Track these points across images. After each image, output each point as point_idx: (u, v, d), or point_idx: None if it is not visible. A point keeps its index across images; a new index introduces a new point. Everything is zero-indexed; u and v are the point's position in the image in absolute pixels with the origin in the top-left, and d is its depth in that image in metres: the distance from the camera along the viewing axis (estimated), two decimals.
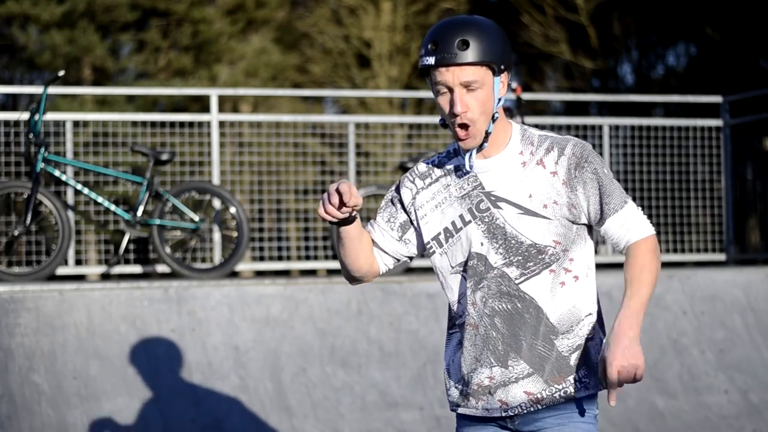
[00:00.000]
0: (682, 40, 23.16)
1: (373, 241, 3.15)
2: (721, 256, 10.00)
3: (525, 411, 2.97)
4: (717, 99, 10.12)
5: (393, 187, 3.18)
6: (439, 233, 3.04)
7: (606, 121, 9.88)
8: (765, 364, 7.71)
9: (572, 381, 2.96)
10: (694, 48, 23.30)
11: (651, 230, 3.00)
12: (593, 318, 3.01)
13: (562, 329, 2.96)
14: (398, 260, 3.17)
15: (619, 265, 8.78)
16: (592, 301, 3.02)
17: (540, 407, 2.96)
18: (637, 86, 23.05)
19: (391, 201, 3.15)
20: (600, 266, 8.63)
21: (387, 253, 3.15)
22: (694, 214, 10.09)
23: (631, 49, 23.83)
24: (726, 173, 10.01)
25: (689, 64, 23.40)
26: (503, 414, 2.98)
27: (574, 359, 2.97)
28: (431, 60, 2.92)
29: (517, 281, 2.95)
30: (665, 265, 9.72)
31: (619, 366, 2.81)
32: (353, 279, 3.17)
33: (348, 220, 2.99)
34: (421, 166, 3.13)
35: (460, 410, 3.07)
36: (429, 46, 2.93)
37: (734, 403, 7.41)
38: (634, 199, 9.93)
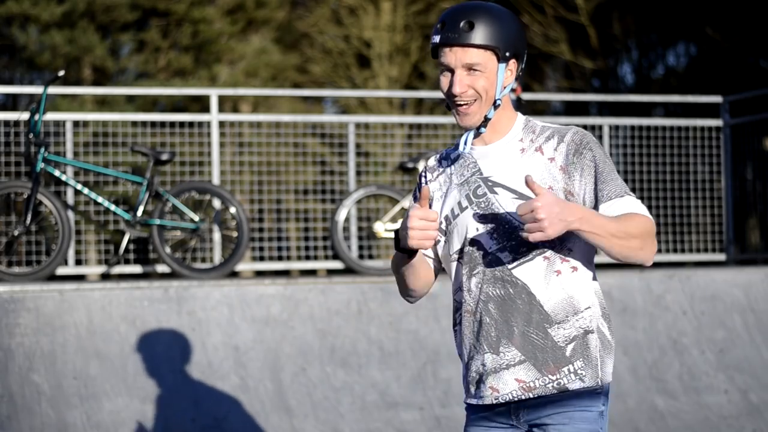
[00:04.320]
0: (682, 40, 23.15)
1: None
2: (721, 256, 9.99)
3: (516, 399, 2.95)
4: (717, 99, 10.12)
5: (414, 192, 3.18)
6: (441, 222, 3.05)
7: (606, 121, 9.88)
8: (765, 364, 7.71)
9: (566, 372, 2.94)
10: (694, 48, 23.29)
11: (650, 215, 2.93)
12: (593, 312, 2.99)
13: (557, 318, 2.94)
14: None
15: (619, 265, 8.78)
16: (592, 294, 2.99)
17: (532, 396, 2.94)
18: (637, 86, 23.05)
19: None
20: (600, 266, 8.63)
21: (433, 257, 3.15)
22: (694, 214, 10.09)
23: (631, 49, 23.82)
24: (726, 173, 10.01)
25: (689, 64, 23.39)
26: (494, 401, 2.97)
27: (570, 350, 2.94)
28: (437, 39, 2.96)
29: (509, 266, 2.94)
30: (665, 265, 9.73)
31: (544, 200, 2.71)
32: (414, 297, 3.18)
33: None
34: (431, 161, 3.18)
35: (466, 400, 3.07)
36: (437, 26, 2.97)
37: (734, 403, 7.41)
38: None
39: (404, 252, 2.98)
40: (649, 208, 10.00)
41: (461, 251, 3.01)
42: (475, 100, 2.95)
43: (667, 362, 7.51)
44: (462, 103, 2.96)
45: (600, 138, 9.78)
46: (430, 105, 20.98)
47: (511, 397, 2.95)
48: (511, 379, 2.94)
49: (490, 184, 2.99)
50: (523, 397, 2.94)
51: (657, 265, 9.61)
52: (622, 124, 10.04)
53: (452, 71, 2.95)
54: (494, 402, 2.98)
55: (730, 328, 7.83)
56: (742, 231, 10.70)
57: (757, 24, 20.15)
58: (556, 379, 2.94)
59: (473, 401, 3.04)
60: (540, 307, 2.94)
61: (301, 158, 11.23)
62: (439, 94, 12.37)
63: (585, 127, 9.95)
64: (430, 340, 7.18)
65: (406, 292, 3.16)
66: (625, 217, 2.86)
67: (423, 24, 21.52)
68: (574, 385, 2.94)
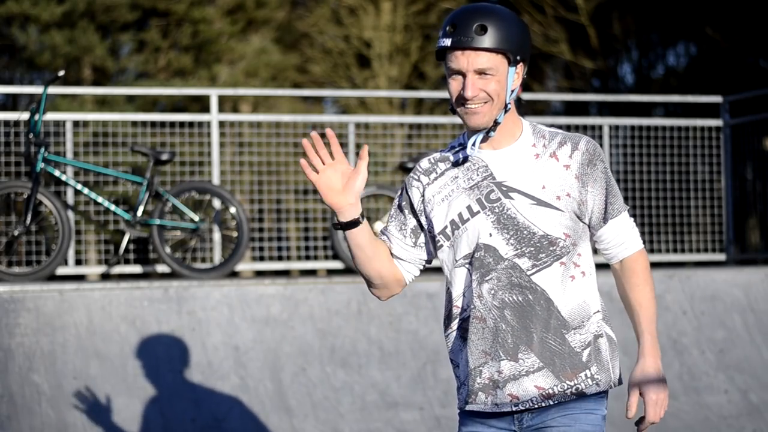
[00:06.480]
0: (682, 40, 23.15)
1: (391, 252, 3.11)
2: (721, 256, 9.99)
3: (536, 406, 2.93)
4: (717, 99, 10.12)
5: (398, 193, 3.14)
6: (446, 226, 3.00)
7: (606, 121, 9.87)
8: (765, 364, 7.71)
9: (584, 378, 2.94)
10: (694, 48, 23.29)
11: (641, 244, 3.07)
12: (600, 315, 3.01)
13: (574, 324, 2.94)
14: (421, 266, 3.14)
15: None
16: (597, 298, 3.01)
17: (551, 403, 2.93)
18: (637, 86, 23.04)
19: (399, 207, 3.12)
20: (600, 266, 8.61)
21: (407, 261, 3.11)
22: (694, 214, 10.09)
23: (631, 49, 23.82)
24: (726, 173, 10.01)
25: (689, 64, 23.38)
26: (513, 408, 2.94)
27: (586, 355, 2.95)
28: (447, 42, 2.90)
29: (528, 272, 2.92)
30: (665, 265, 9.73)
31: (664, 406, 2.97)
32: (378, 288, 3.10)
33: (354, 223, 2.97)
34: (424, 163, 3.10)
35: (468, 407, 3.01)
36: (447, 29, 2.91)
37: (734, 403, 7.41)
38: (633, 200, 9.98)
39: (343, 227, 2.98)
40: (649, 208, 10.01)
41: (471, 256, 2.97)
42: (486, 102, 2.92)
43: (667, 362, 7.51)
44: (472, 106, 2.92)
45: (600, 138, 9.78)
46: (430, 105, 20.98)
47: (531, 404, 2.93)
48: (531, 386, 2.92)
49: (504, 188, 2.95)
50: (543, 404, 2.93)
51: (657, 265, 9.60)
52: (622, 124, 10.03)
53: (464, 75, 2.90)
54: (513, 409, 2.95)
55: (730, 328, 7.83)
56: (742, 231, 10.70)
57: (757, 24, 20.15)
58: (574, 384, 2.93)
59: (481, 408, 2.99)
60: (558, 313, 2.93)
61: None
62: (438, 94, 12.38)
63: (585, 127, 9.96)
64: (430, 340, 7.18)
65: (367, 280, 3.09)
66: (639, 276, 3.04)
67: (423, 24, 21.51)
68: (591, 389, 2.95)
